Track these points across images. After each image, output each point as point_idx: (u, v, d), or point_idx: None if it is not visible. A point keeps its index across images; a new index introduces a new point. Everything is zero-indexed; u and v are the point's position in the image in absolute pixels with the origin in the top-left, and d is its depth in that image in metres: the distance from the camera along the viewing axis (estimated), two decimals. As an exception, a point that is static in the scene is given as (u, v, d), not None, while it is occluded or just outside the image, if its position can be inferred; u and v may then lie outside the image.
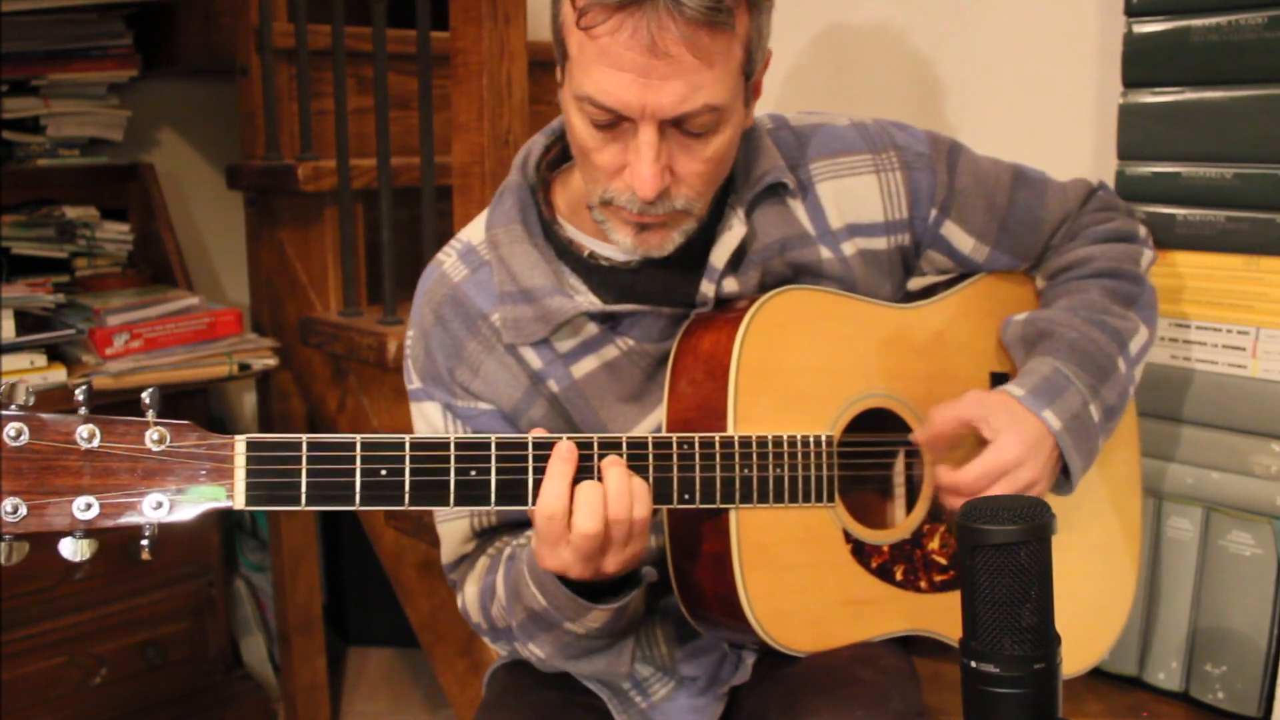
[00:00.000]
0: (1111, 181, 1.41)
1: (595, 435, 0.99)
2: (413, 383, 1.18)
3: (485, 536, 1.18)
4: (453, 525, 1.18)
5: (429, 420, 1.17)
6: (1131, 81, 1.37)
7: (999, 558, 0.73)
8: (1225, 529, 1.33)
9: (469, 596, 1.18)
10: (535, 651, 1.10)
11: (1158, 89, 1.35)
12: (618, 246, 1.08)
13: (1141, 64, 1.35)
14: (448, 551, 1.20)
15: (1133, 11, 1.35)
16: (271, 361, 2.16)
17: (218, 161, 2.70)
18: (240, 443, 0.89)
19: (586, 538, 0.95)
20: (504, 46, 1.56)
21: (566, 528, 0.96)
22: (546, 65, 2.24)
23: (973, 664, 0.74)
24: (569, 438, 0.98)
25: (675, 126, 0.98)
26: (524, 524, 1.17)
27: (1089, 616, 1.26)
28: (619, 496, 0.96)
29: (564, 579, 1.01)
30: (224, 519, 2.50)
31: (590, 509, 0.95)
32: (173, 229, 2.48)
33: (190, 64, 2.45)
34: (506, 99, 1.58)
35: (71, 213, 2.37)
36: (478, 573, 1.17)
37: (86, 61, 2.36)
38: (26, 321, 2.07)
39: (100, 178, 2.44)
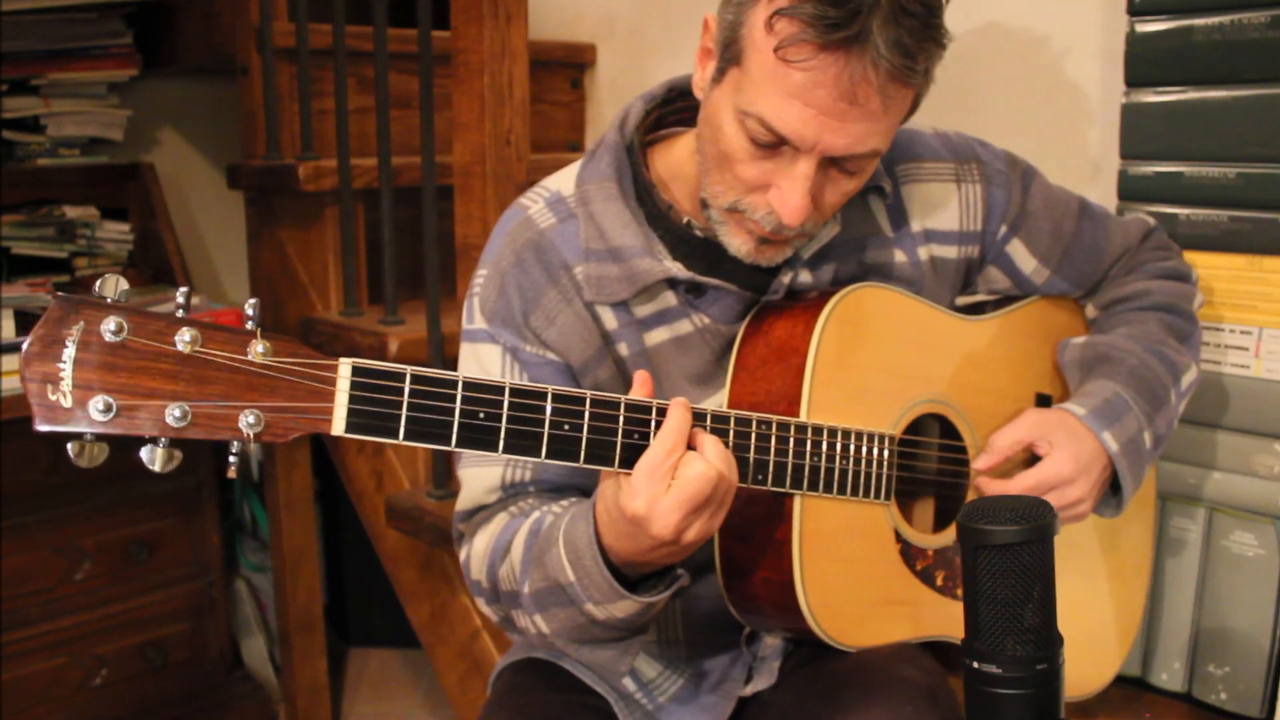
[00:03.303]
0: (1114, 181, 1.41)
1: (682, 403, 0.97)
2: (474, 323, 1.14)
3: (511, 492, 1.14)
4: (482, 471, 1.13)
5: (483, 364, 1.13)
6: (1134, 81, 1.37)
7: (1001, 558, 0.73)
8: (1228, 529, 1.33)
9: (476, 550, 1.13)
10: (540, 625, 1.05)
11: (1161, 88, 1.35)
12: (731, 250, 1.07)
13: (1144, 63, 1.35)
14: (466, 498, 1.15)
15: (1135, 11, 1.35)
16: (272, 361, 2.16)
17: (218, 161, 2.69)
18: (345, 365, 0.84)
19: (704, 479, 0.91)
20: (505, 46, 1.56)
21: (675, 467, 0.92)
22: (547, 65, 2.25)
23: (975, 664, 0.74)
24: (675, 402, 0.95)
25: (833, 162, 0.99)
26: (557, 488, 1.14)
27: (1096, 640, 1.26)
28: (725, 458, 0.94)
29: (606, 560, 0.97)
30: (224, 519, 2.50)
31: (716, 452, 0.94)
32: (173, 229, 2.48)
33: (190, 63, 2.45)
34: (508, 98, 1.58)
35: (71, 212, 2.37)
36: (492, 528, 1.12)
37: (86, 61, 2.35)
38: (26, 321, 2.06)
39: (100, 177, 2.44)
